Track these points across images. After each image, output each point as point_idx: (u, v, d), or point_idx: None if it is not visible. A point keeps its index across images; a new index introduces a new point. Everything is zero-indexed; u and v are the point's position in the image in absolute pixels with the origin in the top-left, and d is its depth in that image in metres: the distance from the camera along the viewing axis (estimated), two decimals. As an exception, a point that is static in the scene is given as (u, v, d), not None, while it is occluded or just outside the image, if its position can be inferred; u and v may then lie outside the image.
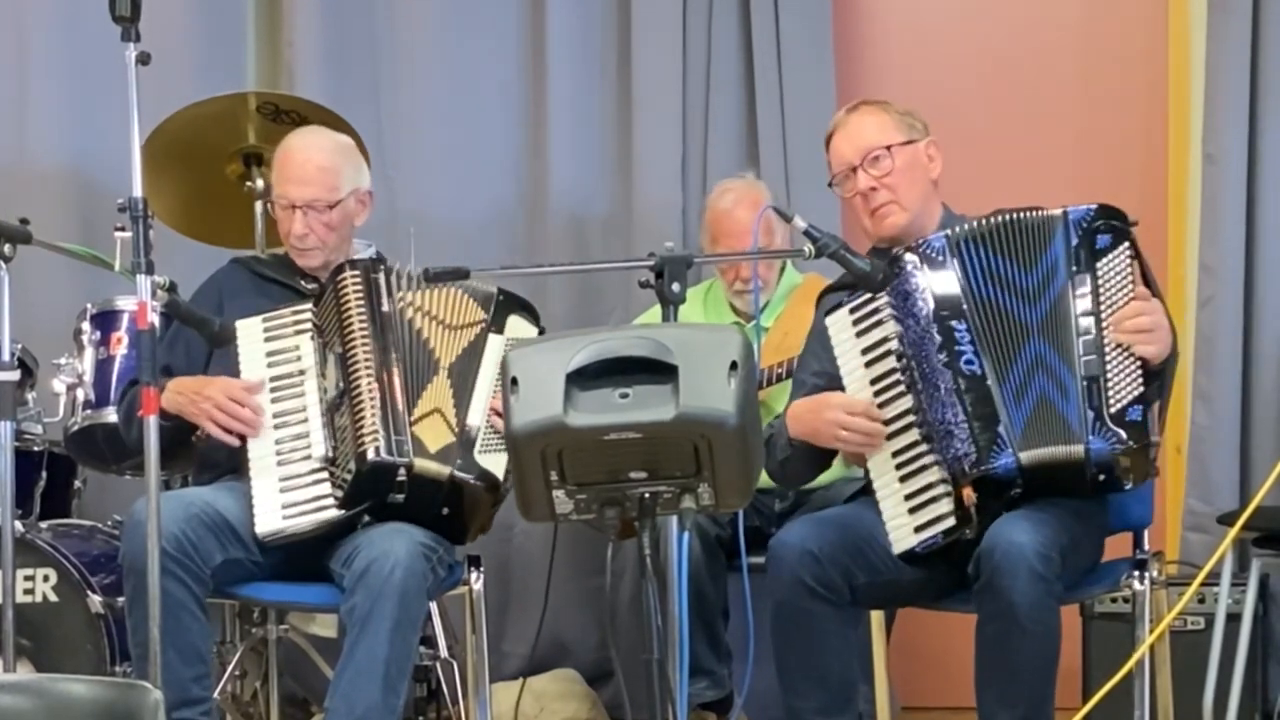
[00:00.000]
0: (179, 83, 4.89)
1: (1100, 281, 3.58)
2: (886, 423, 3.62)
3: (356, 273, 3.90)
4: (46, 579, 4.28)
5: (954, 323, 3.59)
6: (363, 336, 3.84)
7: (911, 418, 3.60)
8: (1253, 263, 4.80)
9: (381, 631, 3.65)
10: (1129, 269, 3.58)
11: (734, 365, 2.82)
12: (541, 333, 3.99)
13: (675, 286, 3.29)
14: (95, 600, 4.25)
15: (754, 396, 2.90)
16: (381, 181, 4.92)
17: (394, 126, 5.17)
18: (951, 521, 3.55)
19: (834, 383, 3.71)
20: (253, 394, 3.86)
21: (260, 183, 4.58)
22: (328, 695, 3.73)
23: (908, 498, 3.60)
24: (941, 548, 3.58)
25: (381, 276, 3.91)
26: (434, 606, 4.38)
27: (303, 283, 4.06)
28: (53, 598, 4.28)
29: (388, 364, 3.83)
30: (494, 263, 4.89)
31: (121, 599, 3.95)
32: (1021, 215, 3.65)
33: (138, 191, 3.47)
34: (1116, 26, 5.15)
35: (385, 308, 3.88)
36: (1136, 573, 3.70)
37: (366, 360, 3.82)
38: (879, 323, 3.66)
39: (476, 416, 3.82)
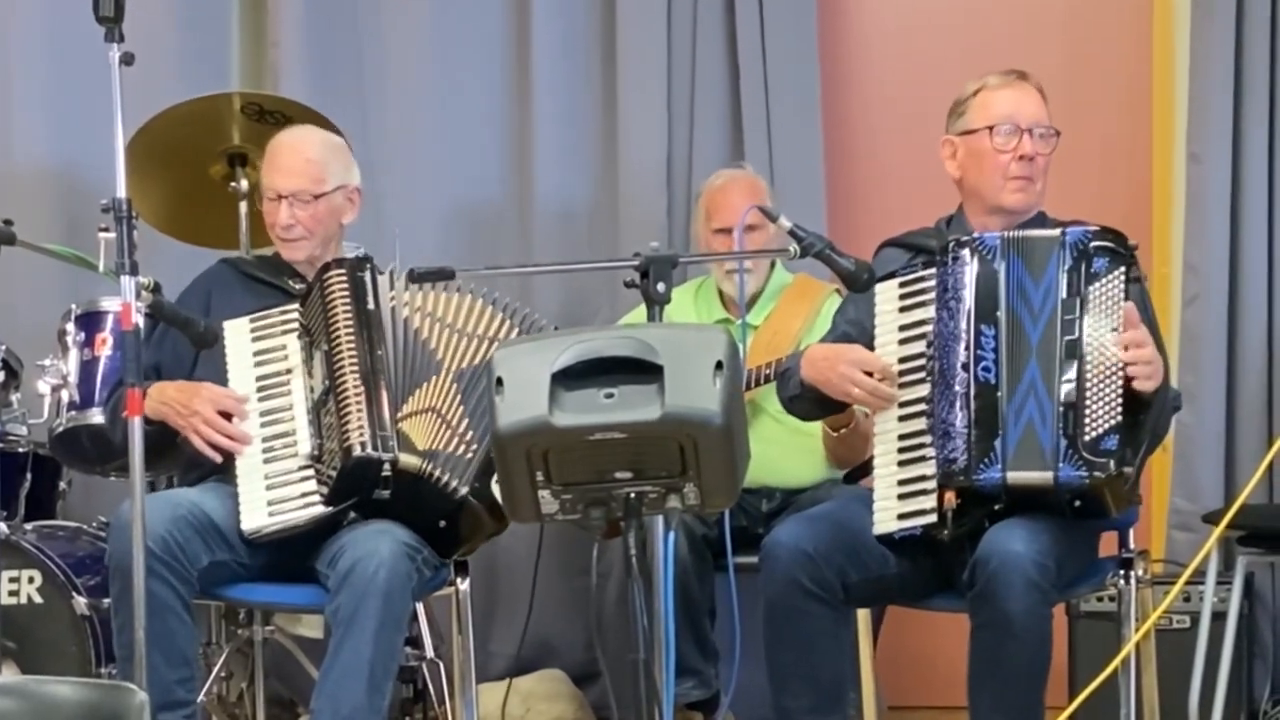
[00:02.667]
0: (163, 83, 4.88)
1: (1089, 306, 3.54)
2: (902, 405, 3.61)
3: (342, 271, 3.90)
4: (31, 580, 4.27)
5: (984, 327, 3.58)
6: (348, 334, 3.84)
7: (925, 406, 3.59)
8: (1237, 262, 4.80)
9: (366, 632, 3.64)
10: (1121, 295, 3.54)
11: (719, 365, 2.82)
12: None
13: (660, 286, 3.28)
14: (80, 602, 4.24)
15: (740, 396, 2.91)
16: (366, 181, 4.87)
17: (379, 126, 5.16)
18: (932, 519, 3.55)
19: (864, 334, 3.70)
20: (240, 404, 3.86)
21: (245, 183, 4.57)
22: (313, 696, 3.72)
23: (900, 483, 3.60)
24: (922, 542, 3.59)
25: (367, 275, 3.91)
26: (420, 607, 4.38)
27: (290, 282, 4.06)
28: (37, 599, 4.27)
29: (374, 362, 3.83)
30: (480, 263, 4.88)
31: (107, 600, 3.94)
32: (1038, 231, 3.64)
33: (122, 192, 3.47)
34: (1101, 26, 5.16)
35: (371, 305, 3.88)
36: (1122, 571, 3.71)
37: (352, 358, 3.82)
38: (922, 304, 3.64)
39: None
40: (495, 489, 3.76)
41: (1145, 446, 3.57)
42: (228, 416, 3.85)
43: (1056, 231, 3.61)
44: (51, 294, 4.92)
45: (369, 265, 3.94)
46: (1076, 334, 3.53)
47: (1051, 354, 3.55)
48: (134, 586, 3.44)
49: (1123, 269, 3.56)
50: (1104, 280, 3.55)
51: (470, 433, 3.82)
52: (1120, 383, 3.50)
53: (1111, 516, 3.65)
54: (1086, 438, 3.49)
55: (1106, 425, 3.49)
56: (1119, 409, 3.50)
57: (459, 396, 3.85)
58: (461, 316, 3.93)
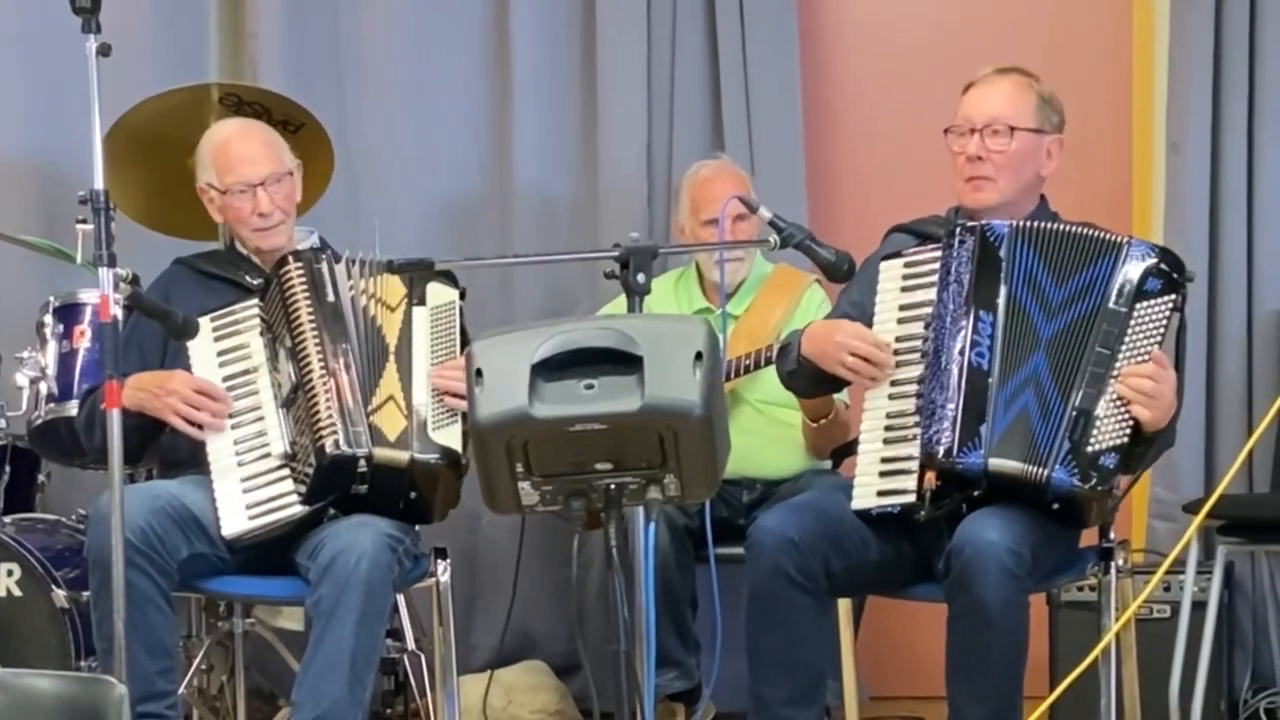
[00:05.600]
0: (141, 74, 4.86)
1: (1132, 322, 3.54)
2: (893, 384, 3.62)
3: (300, 264, 3.88)
4: (10, 573, 4.26)
5: (982, 312, 3.57)
6: (312, 329, 3.82)
7: (916, 386, 3.60)
8: (1217, 251, 4.81)
9: (347, 624, 3.64)
10: (1164, 321, 3.54)
11: (699, 355, 2.81)
12: (462, 295, 3.95)
13: (640, 277, 3.28)
14: (60, 595, 4.23)
15: (719, 386, 2.90)
16: (346, 172, 4.90)
17: (358, 117, 5.15)
18: (911, 498, 3.55)
19: (864, 316, 3.71)
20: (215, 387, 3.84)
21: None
22: (294, 688, 3.72)
23: (883, 460, 3.60)
24: (901, 524, 3.59)
25: (324, 266, 3.89)
26: (401, 599, 4.37)
27: (247, 278, 4.04)
28: (16, 592, 4.25)
29: (339, 354, 3.81)
30: (460, 254, 4.87)
31: (86, 593, 3.93)
32: (1077, 230, 3.62)
33: (99, 184, 3.46)
34: (1081, 17, 5.16)
35: (331, 298, 3.87)
36: (1102, 561, 3.71)
37: (318, 352, 3.81)
38: (923, 285, 3.64)
39: (421, 394, 3.81)
40: (435, 436, 3.76)
41: (1134, 476, 3.59)
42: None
43: (1119, 238, 3.60)
44: (29, 286, 4.90)
45: (325, 255, 3.93)
46: (1112, 347, 3.53)
47: (1073, 355, 3.54)
48: (113, 578, 3.43)
49: (1173, 297, 3.55)
50: (1153, 302, 3.55)
51: (405, 403, 3.81)
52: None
53: (1086, 527, 3.67)
54: (1089, 449, 3.50)
55: (1112, 443, 3.50)
56: (1128, 432, 3.51)
57: (398, 375, 3.85)
58: (386, 291, 3.91)
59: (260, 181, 3.99)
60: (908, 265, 3.68)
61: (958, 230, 3.63)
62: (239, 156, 4.02)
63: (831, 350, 3.65)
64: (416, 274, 3.87)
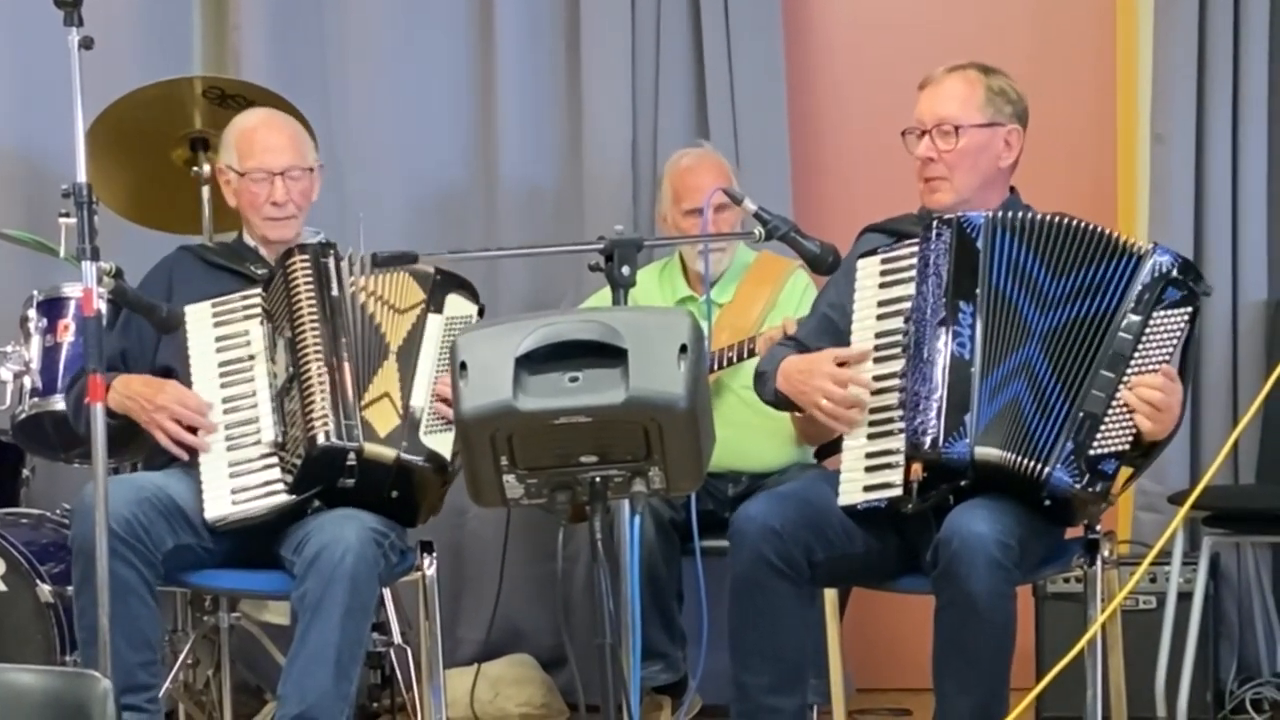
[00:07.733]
0: (124, 67, 4.85)
1: (1147, 330, 3.53)
2: (876, 379, 3.61)
3: (306, 257, 3.89)
4: (-5, 568, 4.26)
5: (962, 303, 3.57)
6: (312, 322, 3.83)
7: (898, 380, 3.59)
8: (1201, 242, 4.81)
9: (333, 618, 3.63)
10: (1179, 331, 3.54)
11: (684, 348, 2.81)
12: (481, 310, 3.98)
13: (625, 270, 3.28)
14: (45, 589, 4.22)
15: (704, 379, 2.90)
16: (330, 165, 4.88)
17: (342, 110, 5.14)
18: (898, 492, 3.55)
19: (844, 316, 3.71)
20: (205, 406, 3.83)
21: (207, 168, 4.55)
22: (280, 682, 3.71)
23: (868, 455, 3.60)
24: (888, 518, 3.59)
25: (331, 262, 3.90)
26: (387, 592, 4.37)
27: (252, 268, 4.04)
28: (1, 587, 4.25)
29: (337, 349, 3.82)
30: (444, 246, 4.86)
31: (71, 588, 3.92)
32: (1076, 224, 3.61)
33: (82, 177, 3.46)
34: (1066, 8, 5.16)
35: (335, 292, 3.87)
36: (1088, 553, 3.72)
37: (316, 345, 3.81)
38: (902, 280, 3.64)
39: (420, 398, 3.82)
40: (425, 440, 3.76)
41: (1128, 480, 3.61)
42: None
43: (1142, 244, 3.59)
44: (13, 280, 4.90)
45: (332, 251, 3.93)
46: (1125, 353, 3.52)
47: (1080, 354, 3.54)
48: (97, 569, 3.42)
49: (1190, 309, 3.55)
50: (1170, 312, 3.54)
51: (403, 405, 3.82)
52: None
53: (1073, 526, 3.68)
54: (1091, 452, 3.50)
55: (1114, 449, 3.50)
56: (1130, 438, 3.51)
57: (398, 374, 3.85)
58: (393, 292, 3.93)
59: (281, 171, 4.01)
60: (885, 261, 3.68)
61: (934, 223, 3.64)
62: (264, 144, 4.03)
63: (810, 394, 3.64)
64: (438, 282, 3.91)
